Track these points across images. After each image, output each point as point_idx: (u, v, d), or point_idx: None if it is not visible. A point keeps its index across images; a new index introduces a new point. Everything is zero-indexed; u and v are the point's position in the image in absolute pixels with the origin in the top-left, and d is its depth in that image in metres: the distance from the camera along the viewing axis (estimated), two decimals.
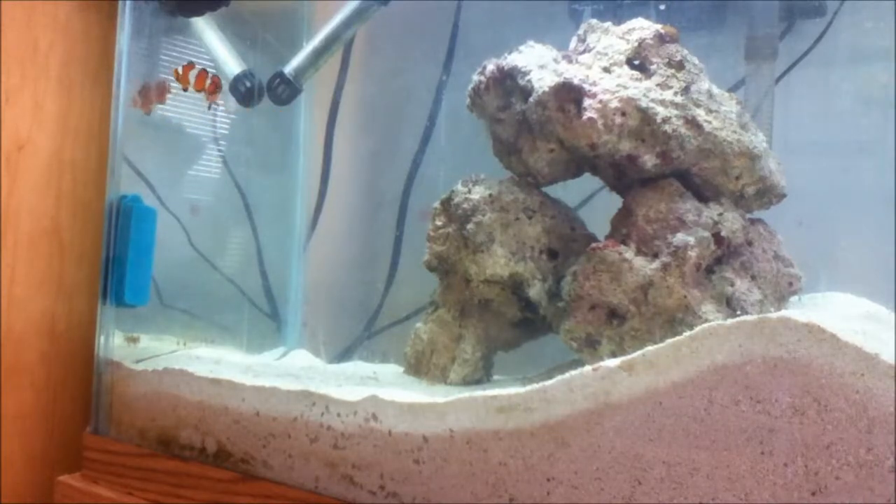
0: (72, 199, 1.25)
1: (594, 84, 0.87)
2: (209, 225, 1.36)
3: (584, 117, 0.85)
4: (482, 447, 0.74)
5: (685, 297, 0.81)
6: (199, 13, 1.27)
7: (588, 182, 0.97)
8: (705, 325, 0.63)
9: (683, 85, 0.87)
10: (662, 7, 0.98)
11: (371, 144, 1.41)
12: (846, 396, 0.53)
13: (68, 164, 1.25)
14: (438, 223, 1.00)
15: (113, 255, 1.16)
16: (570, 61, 0.93)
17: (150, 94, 1.20)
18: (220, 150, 1.37)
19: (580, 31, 0.95)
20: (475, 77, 0.98)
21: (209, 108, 1.22)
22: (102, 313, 1.16)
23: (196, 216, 1.32)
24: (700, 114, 0.85)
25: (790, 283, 0.87)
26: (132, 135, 1.21)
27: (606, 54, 0.90)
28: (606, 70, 0.89)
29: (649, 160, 0.85)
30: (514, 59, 0.95)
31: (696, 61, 0.89)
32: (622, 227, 0.88)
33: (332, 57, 1.26)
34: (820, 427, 0.54)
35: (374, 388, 0.87)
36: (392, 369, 1.06)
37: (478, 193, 0.96)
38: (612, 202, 0.92)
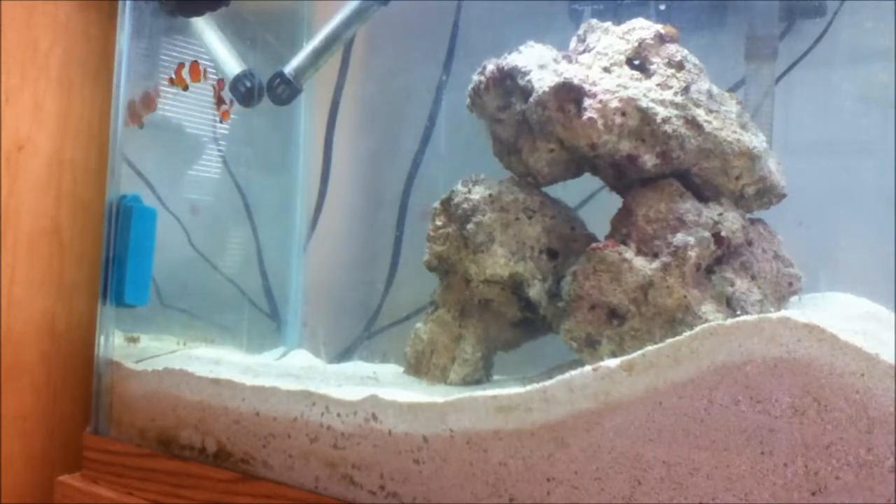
0: (72, 199, 1.25)
1: (594, 84, 0.87)
2: (209, 225, 1.36)
3: (584, 117, 0.85)
4: (482, 447, 0.74)
5: (685, 297, 0.81)
6: (198, 13, 1.27)
7: (588, 182, 0.97)
8: (705, 325, 0.63)
9: (683, 85, 0.87)
10: (662, 7, 0.98)
11: (371, 144, 1.41)
12: (846, 396, 0.53)
13: (68, 164, 1.25)
14: (438, 223, 1.00)
15: (113, 255, 1.16)
16: (570, 61, 0.93)
17: (136, 107, 1.20)
18: (220, 150, 1.37)
19: (580, 31, 0.95)
20: (475, 77, 0.98)
21: (220, 122, 1.23)
22: (102, 313, 1.16)
23: (196, 216, 1.32)
24: (700, 114, 0.85)
25: (790, 283, 0.87)
26: (132, 135, 1.21)
27: (606, 54, 0.90)
28: (606, 70, 0.89)
29: (649, 160, 0.85)
30: (514, 59, 0.95)
31: (696, 61, 0.89)
32: (622, 227, 0.88)
33: (332, 57, 1.26)
34: (820, 427, 0.54)
35: (374, 388, 0.86)
36: (392, 369, 1.06)
37: (478, 193, 0.96)
38: (612, 202, 0.92)
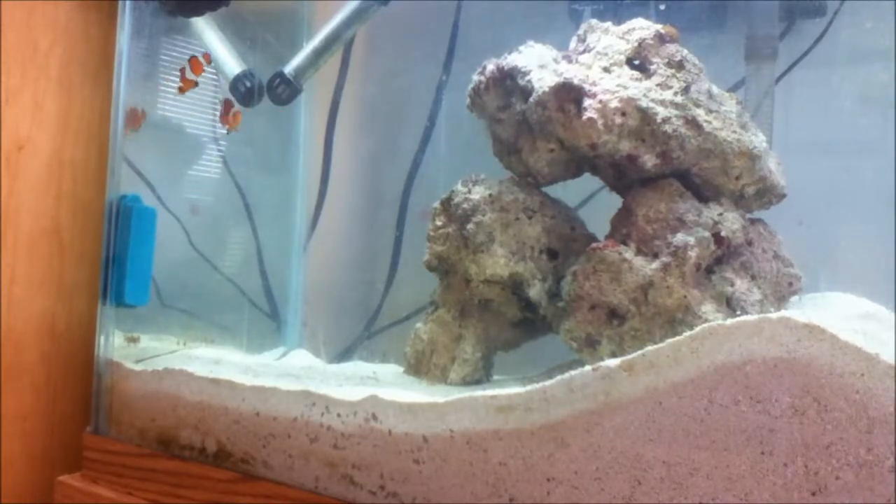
0: (72, 199, 1.25)
1: (594, 84, 0.87)
2: (209, 225, 1.36)
3: (584, 117, 0.85)
4: (482, 447, 0.74)
5: (685, 297, 0.81)
6: (198, 13, 1.27)
7: (588, 182, 0.97)
8: (705, 325, 0.63)
9: (683, 85, 0.86)
10: (662, 7, 0.98)
11: (371, 144, 1.41)
12: (846, 396, 0.53)
13: (68, 164, 1.25)
14: (438, 223, 1.00)
15: (113, 255, 1.16)
16: (570, 61, 0.93)
17: (128, 121, 1.21)
18: (219, 150, 1.37)
19: (580, 31, 0.95)
20: (475, 77, 0.98)
21: (227, 133, 1.23)
22: (102, 313, 1.16)
23: (196, 216, 1.32)
24: (700, 114, 0.85)
25: (790, 283, 0.87)
26: (132, 135, 1.21)
27: (606, 54, 0.90)
28: (606, 70, 0.89)
29: (649, 160, 0.85)
30: (514, 59, 0.95)
31: (696, 61, 0.89)
32: (622, 227, 0.87)
33: (333, 57, 1.26)
34: (820, 427, 0.54)
35: (374, 388, 0.87)
36: (392, 369, 1.06)
37: (478, 193, 0.96)
38: (612, 202, 0.92)
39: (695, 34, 0.94)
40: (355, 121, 1.41)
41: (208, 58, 1.21)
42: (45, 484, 1.17)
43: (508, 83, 0.95)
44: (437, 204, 1.01)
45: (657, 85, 0.87)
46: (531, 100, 0.90)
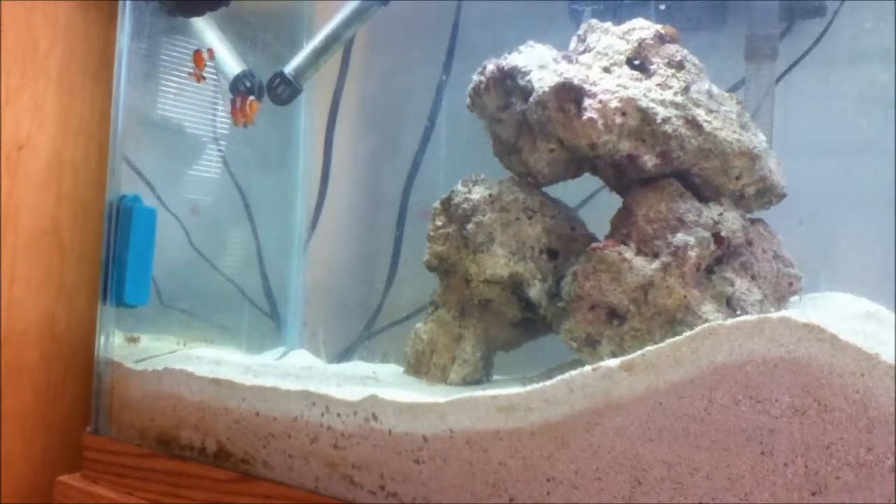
0: (72, 198, 1.25)
1: (594, 84, 0.87)
2: (209, 225, 1.36)
3: (585, 117, 0.85)
4: (482, 447, 0.74)
5: (685, 297, 0.81)
6: (198, 13, 1.27)
7: (588, 182, 0.97)
8: (705, 325, 0.63)
9: (683, 85, 0.86)
10: (662, 7, 0.98)
11: (371, 144, 1.41)
12: (846, 396, 0.53)
13: (68, 164, 1.25)
14: (438, 223, 1.00)
15: (113, 255, 1.16)
16: (571, 61, 0.93)
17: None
18: (219, 150, 1.37)
19: (580, 32, 0.95)
20: (475, 77, 0.98)
21: (245, 126, 1.22)
22: (102, 313, 1.16)
23: (196, 216, 1.32)
24: (700, 114, 0.85)
25: (790, 283, 0.87)
26: (132, 135, 1.21)
27: (606, 54, 0.90)
28: (606, 70, 0.89)
29: (649, 160, 0.85)
30: (514, 59, 0.95)
31: (696, 61, 0.89)
32: (622, 227, 0.87)
33: (333, 57, 1.26)
34: (820, 427, 0.54)
35: (374, 388, 0.86)
36: (392, 369, 1.06)
37: (478, 193, 0.96)
38: (612, 202, 0.92)
39: (695, 34, 0.94)
40: (355, 121, 1.41)
41: (211, 53, 1.21)
42: (44, 484, 1.17)
43: (508, 83, 0.95)
44: (436, 204, 1.01)
45: (657, 85, 0.87)
46: (531, 100, 0.90)
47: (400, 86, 1.35)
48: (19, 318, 1.18)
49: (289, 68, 1.21)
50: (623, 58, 0.89)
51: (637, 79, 0.87)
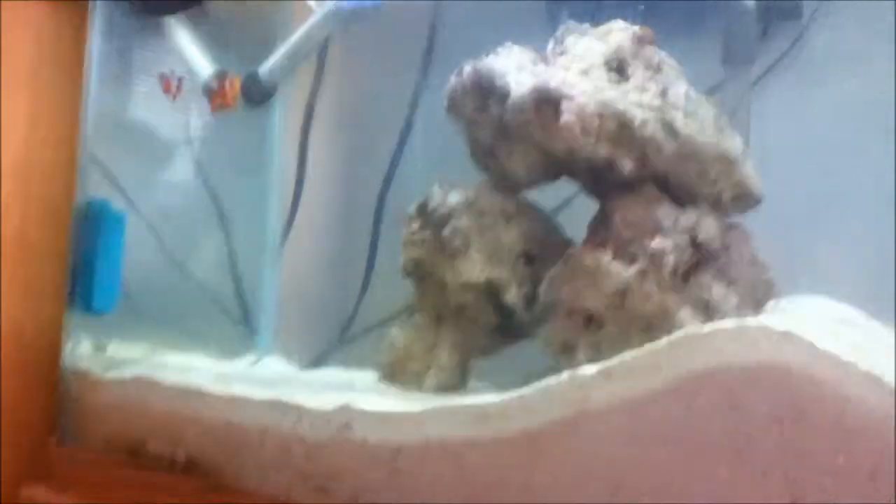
0: (41, 202, 1.22)
1: (571, 87, 0.86)
2: (181, 230, 1.35)
3: (561, 121, 0.84)
4: (458, 456, 0.72)
5: (662, 302, 0.80)
6: (170, 13, 1.26)
7: (566, 186, 0.96)
8: (682, 332, 0.63)
9: (661, 88, 0.86)
10: (641, 8, 0.98)
11: (347, 147, 1.40)
12: (824, 403, 0.53)
13: (37, 168, 1.22)
14: (414, 228, 0.99)
15: (81, 260, 1.14)
16: (548, 64, 0.92)
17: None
18: (192, 153, 1.36)
19: (558, 34, 0.94)
20: (452, 79, 0.98)
21: (224, 110, 1.19)
22: (70, 320, 1.13)
23: (167, 221, 1.30)
24: (678, 117, 0.85)
25: (767, 288, 0.87)
26: (103, 137, 1.19)
27: (584, 57, 0.89)
28: (584, 73, 0.88)
29: (626, 164, 0.85)
30: (491, 62, 0.94)
31: (675, 64, 0.89)
32: (599, 232, 0.87)
33: (308, 58, 1.25)
34: (798, 434, 0.53)
35: (349, 396, 0.85)
36: (367, 376, 1.05)
37: (454, 198, 0.95)
38: (590, 207, 0.91)
39: (672, 37, 0.93)
40: (331, 123, 1.40)
41: (181, 83, 1.19)
42: (9, 495, 1.14)
43: (485, 86, 0.94)
44: (412, 208, 1.00)
45: (635, 88, 0.86)
46: (508, 103, 0.89)
47: (376, 87, 1.35)
48: None
49: (263, 69, 1.20)
50: (601, 60, 0.88)
51: (615, 81, 0.87)
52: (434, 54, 1.23)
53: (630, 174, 0.85)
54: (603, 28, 0.91)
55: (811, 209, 0.98)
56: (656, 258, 0.81)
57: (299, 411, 0.84)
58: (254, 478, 0.87)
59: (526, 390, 0.70)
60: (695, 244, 0.83)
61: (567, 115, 0.84)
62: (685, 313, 0.80)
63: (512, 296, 0.92)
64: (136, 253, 1.20)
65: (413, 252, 0.98)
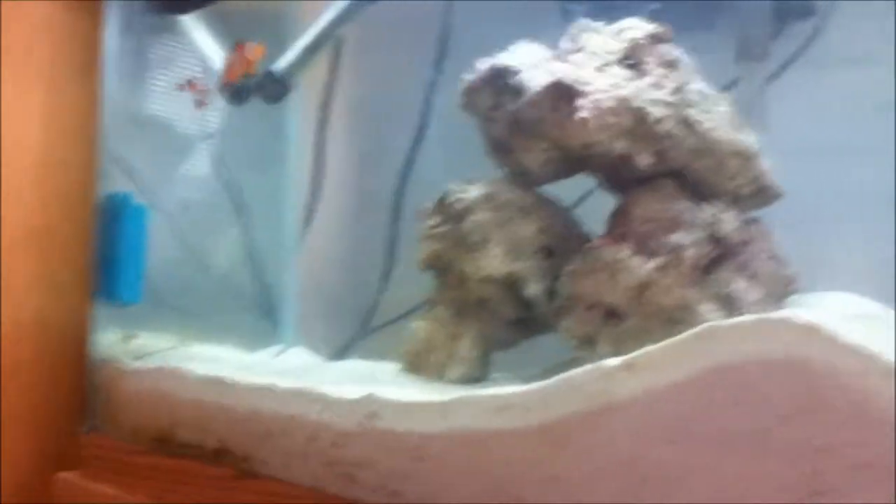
0: (62, 197, 1.24)
1: (587, 83, 0.87)
2: (203, 222, 1.36)
3: (577, 117, 0.86)
4: (482, 446, 0.74)
5: (682, 296, 0.81)
6: (185, 11, 1.27)
7: (583, 181, 0.98)
8: (703, 326, 0.63)
9: (676, 85, 0.87)
10: (655, 7, 0.99)
11: (365, 141, 1.41)
12: (846, 397, 0.53)
13: (59, 162, 1.24)
14: (433, 222, 1.00)
15: (104, 253, 1.16)
16: (563, 61, 0.93)
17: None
18: (211, 148, 1.37)
19: (572, 31, 0.96)
20: (467, 77, 0.99)
21: (251, 77, 1.16)
22: (95, 312, 1.15)
23: (190, 214, 1.32)
24: (693, 113, 0.86)
25: (787, 283, 0.88)
26: (123, 133, 1.21)
27: (599, 54, 0.90)
28: (599, 70, 0.89)
29: (643, 160, 0.86)
30: (505, 59, 0.95)
31: (689, 61, 0.90)
32: (618, 226, 0.88)
33: (323, 55, 1.26)
34: (819, 428, 0.54)
35: (372, 387, 0.87)
36: (390, 367, 1.06)
37: (472, 193, 0.97)
38: (608, 201, 0.92)
39: (687, 34, 0.94)
40: (348, 117, 1.41)
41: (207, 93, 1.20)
42: (39, 483, 1.16)
43: (500, 83, 0.95)
44: (431, 203, 1.01)
45: (650, 85, 0.87)
46: (523, 99, 0.90)
47: (393, 83, 1.35)
48: (12, 317, 1.18)
49: (278, 67, 1.21)
50: (615, 57, 0.90)
51: (630, 78, 0.88)
52: (448, 49, 1.24)
53: (647, 169, 0.87)
54: (617, 26, 0.92)
55: (832, 205, 0.98)
56: (676, 252, 0.82)
57: (325, 400, 0.86)
58: (281, 465, 0.89)
59: (548, 382, 0.71)
60: (714, 239, 0.84)
61: (582, 112, 0.86)
62: (706, 307, 0.81)
63: (532, 289, 0.93)
64: (161, 247, 1.22)
65: (433, 246, 0.99)
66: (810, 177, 0.94)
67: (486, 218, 0.95)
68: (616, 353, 0.69)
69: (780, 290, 0.87)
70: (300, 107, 1.42)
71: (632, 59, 0.90)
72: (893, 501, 0.50)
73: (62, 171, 1.24)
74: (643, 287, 0.83)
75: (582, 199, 1.04)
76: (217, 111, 1.29)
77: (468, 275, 0.96)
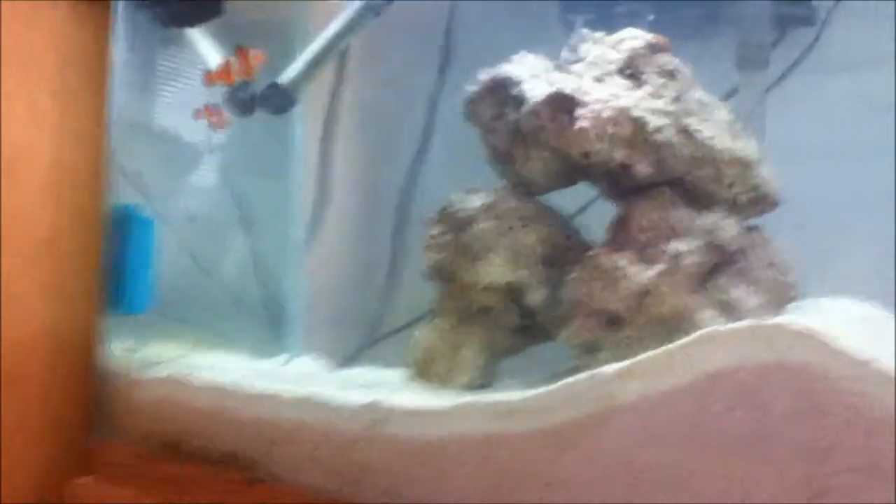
0: (71, 207, 1.25)
1: (586, 93, 0.88)
2: (210, 233, 1.37)
3: (577, 126, 0.87)
4: (484, 452, 0.75)
5: (682, 303, 0.82)
6: (192, 24, 1.28)
7: (584, 190, 0.99)
8: (700, 332, 0.65)
9: (675, 94, 0.88)
10: (653, 17, 1.00)
11: (369, 151, 1.42)
12: (842, 401, 0.54)
13: (67, 172, 1.25)
14: (436, 232, 1.01)
15: (113, 263, 1.17)
16: (563, 71, 0.94)
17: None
18: (218, 159, 1.38)
19: (572, 42, 0.97)
20: (469, 87, 1.00)
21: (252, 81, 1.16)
22: (104, 322, 1.17)
23: (197, 225, 1.33)
24: (692, 122, 0.87)
25: (786, 290, 0.88)
26: (131, 144, 1.22)
27: (598, 64, 0.92)
28: (598, 80, 0.91)
29: (643, 169, 0.87)
30: (506, 70, 0.97)
31: (688, 70, 0.91)
32: (618, 235, 0.89)
33: (328, 66, 1.27)
34: (816, 432, 0.55)
35: (378, 394, 0.88)
36: (396, 375, 1.06)
37: (474, 202, 0.98)
38: (608, 210, 0.93)
39: (686, 43, 0.95)
40: (353, 126, 1.42)
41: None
42: (50, 490, 1.17)
43: (501, 93, 0.97)
44: (434, 213, 1.02)
45: (649, 94, 0.88)
46: (524, 109, 0.91)
47: (398, 93, 1.36)
48: (20, 327, 1.19)
49: (284, 78, 1.22)
50: (615, 67, 0.91)
51: (629, 88, 0.89)
52: (453, 58, 1.25)
53: (647, 178, 0.88)
54: (616, 36, 0.93)
55: (833, 211, 0.98)
56: (675, 260, 0.83)
57: (332, 408, 0.87)
58: (289, 471, 0.90)
59: (549, 388, 0.73)
60: (714, 246, 0.85)
61: (582, 121, 0.87)
62: (705, 314, 0.82)
63: (533, 297, 0.94)
64: (169, 257, 1.23)
65: (436, 255, 1.00)
66: (812, 182, 0.95)
67: (488, 227, 0.96)
68: (617, 360, 0.70)
69: (781, 297, 0.88)
70: (306, 116, 1.43)
71: (631, 69, 0.91)
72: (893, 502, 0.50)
73: (71, 182, 1.24)
74: (643, 294, 0.84)
75: (583, 208, 1.05)
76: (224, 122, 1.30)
77: (471, 283, 0.97)
